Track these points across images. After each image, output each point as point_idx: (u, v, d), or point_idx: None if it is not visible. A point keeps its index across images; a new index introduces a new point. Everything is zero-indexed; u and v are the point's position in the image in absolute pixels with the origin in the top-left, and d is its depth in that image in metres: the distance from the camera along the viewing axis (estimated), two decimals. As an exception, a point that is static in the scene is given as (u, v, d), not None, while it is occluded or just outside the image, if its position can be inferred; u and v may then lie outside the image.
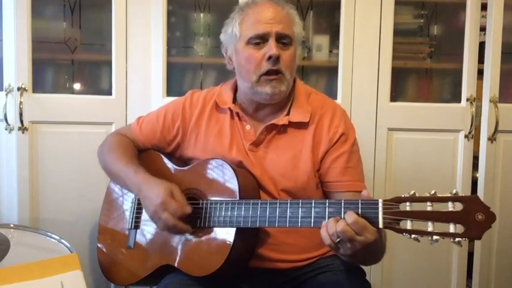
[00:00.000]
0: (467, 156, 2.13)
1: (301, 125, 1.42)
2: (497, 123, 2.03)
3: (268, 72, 1.37)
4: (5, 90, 1.98)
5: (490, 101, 2.01)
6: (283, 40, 1.38)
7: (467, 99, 2.10)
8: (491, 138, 2.05)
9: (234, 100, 1.49)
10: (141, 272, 1.45)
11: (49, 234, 1.67)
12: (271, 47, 1.36)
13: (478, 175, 2.09)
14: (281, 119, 1.42)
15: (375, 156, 2.10)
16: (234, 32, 1.43)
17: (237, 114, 1.46)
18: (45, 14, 2.12)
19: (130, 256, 1.49)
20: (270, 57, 1.35)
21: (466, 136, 2.11)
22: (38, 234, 1.70)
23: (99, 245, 1.59)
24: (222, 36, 1.50)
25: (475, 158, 2.12)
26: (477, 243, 2.08)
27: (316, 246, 1.42)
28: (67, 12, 2.11)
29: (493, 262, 2.14)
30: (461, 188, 2.12)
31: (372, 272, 2.11)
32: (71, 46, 2.13)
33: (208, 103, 1.52)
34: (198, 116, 1.51)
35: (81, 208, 2.04)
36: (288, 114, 1.44)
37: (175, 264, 1.37)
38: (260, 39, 1.38)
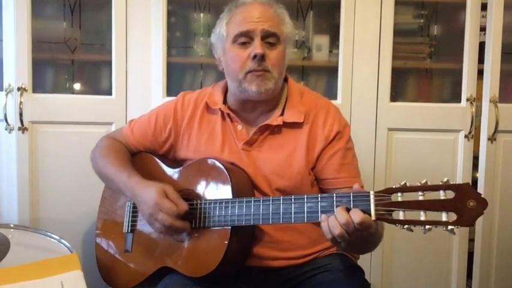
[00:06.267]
0: (467, 156, 2.12)
1: (295, 125, 1.42)
2: (497, 123, 2.02)
3: (253, 70, 1.36)
4: (5, 90, 1.98)
5: (490, 101, 2.01)
6: (269, 39, 1.37)
7: (467, 99, 2.10)
8: (491, 138, 2.05)
9: (225, 101, 1.49)
10: (140, 275, 1.45)
11: (49, 234, 1.67)
12: (256, 46, 1.35)
13: (478, 175, 2.09)
14: (275, 119, 1.41)
15: (375, 156, 2.10)
16: (221, 32, 1.43)
17: (228, 115, 1.46)
18: (45, 14, 2.11)
19: (128, 260, 1.49)
20: (255, 56, 1.35)
21: (466, 136, 2.11)
22: (38, 234, 1.70)
23: (97, 250, 1.59)
24: (212, 37, 1.49)
25: (475, 158, 2.12)
26: (477, 243, 2.08)
27: (312, 242, 1.42)
28: (67, 12, 2.11)
29: (493, 262, 2.13)
30: (461, 188, 2.11)
31: (372, 272, 2.11)
32: (71, 46, 2.13)
33: (200, 104, 1.51)
34: (189, 117, 1.51)
35: (81, 208, 2.04)
36: (282, 114, 1.43)
37: (173, 266, 1.37)
38: (246, 38, 1.37)
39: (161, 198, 1.30)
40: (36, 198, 2.03)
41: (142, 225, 1.46)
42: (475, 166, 2.12)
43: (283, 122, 1.41)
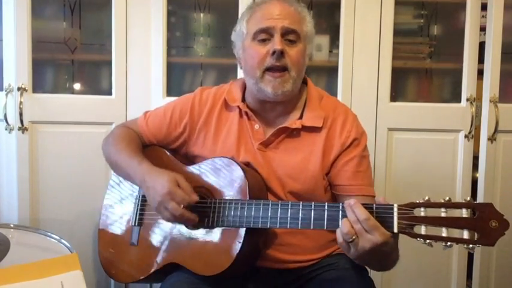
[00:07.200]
0: (467, 156, 2.12)
1: (313, 129, 1.41)
2: (497, 123, 2.02)
3: (272, 68, 1.35)
4: (5, 90, 1.98)
5: (490, 101, 2.01)
6: (289, 36, 1.36)
7: (467, 99, 2.10)
8: (491, 138, 2.05)
9: (243, 99, 1.48)
10: (144, 270, 1.43)
11: (49, 234, 1.67)
12: (276, 42, 1.34)
13: (478, 175, 2.09)
14: (294, 123, 1.41)
15: (375, 156, 2.10)
16: (242, 29, 1.43)
17: (246, 113, 1.45)
18: (45, 14, 2.12)
19: (133, 253, 1.48)
20: (274, 52, 1.33)
21: (466, 136, 2.11)
22: (38, 234, 1.70)
23: (100, 241, 1.57)
24: (232, 36, 1.49)
25: (475, 158, 2.12)
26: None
27: (320, 247, 1.42)
28: (67, 12, 2.11)
29: (493, 262, 2.14)
30: (462, 188, 2.12)
31: (371, 272, 2.10)
32: (71, 46, 2.13)
33: (218, 101, 1.50)
34: (207, 114, 1.49)
35: (81, 208, 2.04)
36: (300, 117, 1.42)
37: (182, 263, 1.35)
38: (265, 35, 1.36)
39: (174, 187, 1.29)
40: (36, 198, 2.03)
41: (150, 219, 1.45)
42: (475, 166, 2.12)
43: (302, 126, 1.41)
